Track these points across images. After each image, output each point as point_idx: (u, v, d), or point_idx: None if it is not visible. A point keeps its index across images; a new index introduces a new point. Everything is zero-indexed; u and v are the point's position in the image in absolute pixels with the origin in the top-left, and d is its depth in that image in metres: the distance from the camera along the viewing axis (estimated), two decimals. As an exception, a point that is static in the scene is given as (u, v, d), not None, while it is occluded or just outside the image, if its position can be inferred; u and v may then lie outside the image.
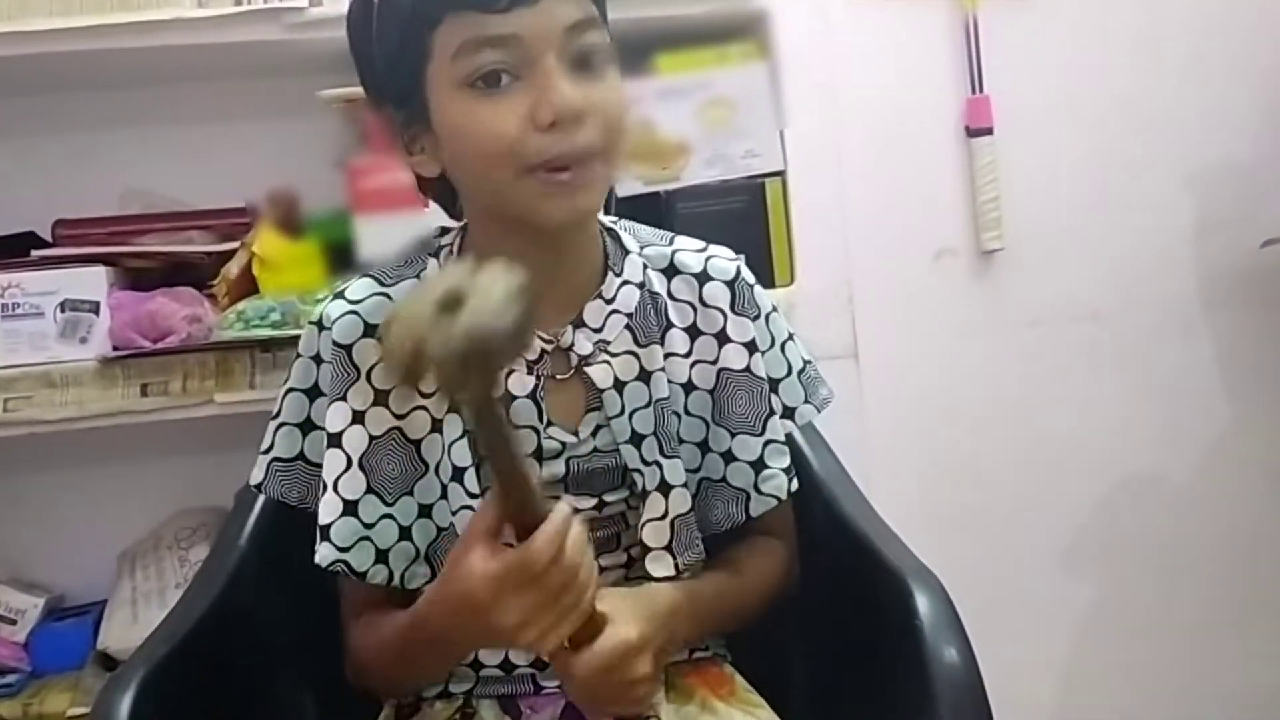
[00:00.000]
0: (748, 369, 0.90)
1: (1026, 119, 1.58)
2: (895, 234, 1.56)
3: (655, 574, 0.87)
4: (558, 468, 0.86)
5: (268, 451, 0.89)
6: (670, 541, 0.88)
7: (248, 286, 1.30)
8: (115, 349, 1.25)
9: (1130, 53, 1.62)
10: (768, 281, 1.37)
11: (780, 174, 1.40)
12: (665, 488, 0.87)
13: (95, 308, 1.27)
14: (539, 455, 0.86)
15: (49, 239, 1.36)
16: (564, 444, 0.87)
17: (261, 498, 1.02)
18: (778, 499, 0.92)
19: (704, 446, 0.91)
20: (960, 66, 1.56)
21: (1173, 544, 1.66)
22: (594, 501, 0.88)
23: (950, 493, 1.60)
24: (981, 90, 1.56)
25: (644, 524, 0.88)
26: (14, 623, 1.36)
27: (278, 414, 0.89)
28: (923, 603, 0.81)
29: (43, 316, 1.25)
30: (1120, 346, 1.63)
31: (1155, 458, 1.66)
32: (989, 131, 1.55)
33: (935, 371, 1.59)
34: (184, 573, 1.34)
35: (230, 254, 1.32)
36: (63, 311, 1.26)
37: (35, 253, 1.30)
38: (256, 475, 0.90)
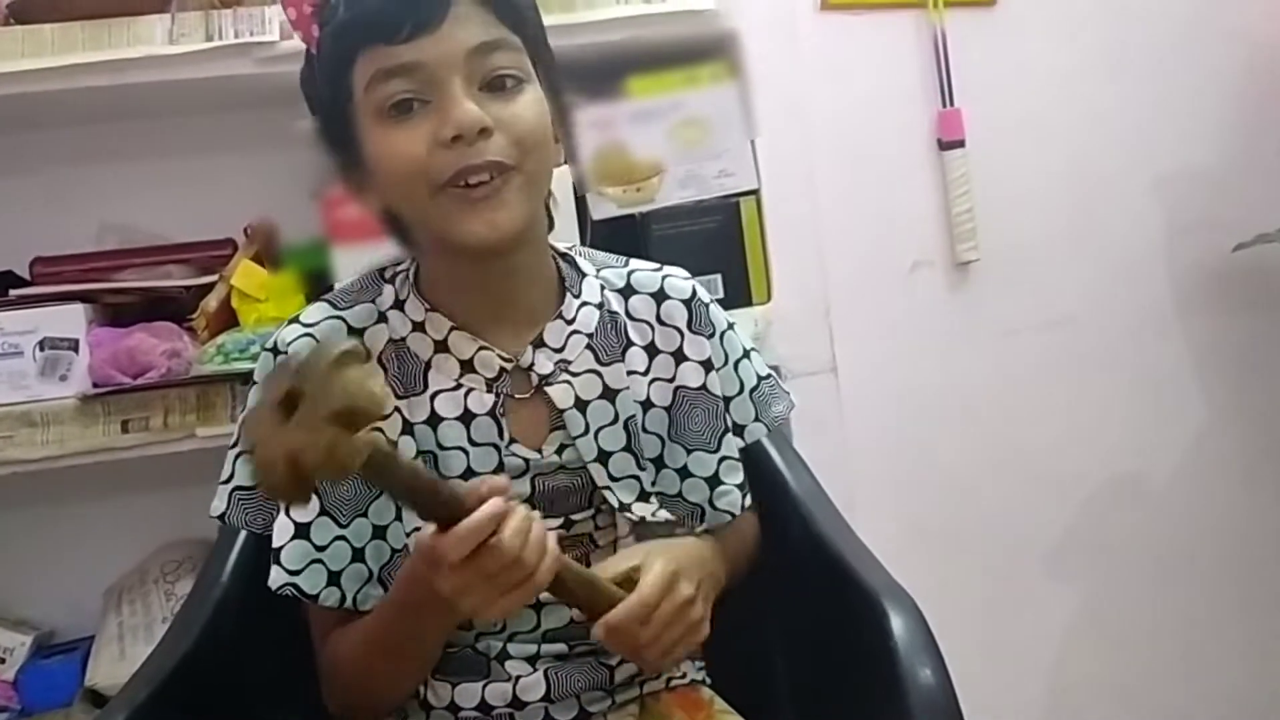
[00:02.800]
0: (704, 387, 0.92)
1: (998, 131, 1.59)
2: (870, 248, 1.57)
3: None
4: (522, 487, 0.86)
5: (228, 481, 0.90)
6: None
7: (227, 319, 1.31)
8: (95, 386, 1.25)
9: (1098, 62, 1.64)
10: (744, 300, 1.38)
11: (754, 192, 1.41)
12: (645, 496, 0.89)
13: (74, 345, 1.27)
14: (500, 473, 0.86)
15: (27, 277, 1.36)
16: (527, 461, 0.87)
17: (243, 533, 1.03)
18: (731, 514, 0.93)
19: (659, 463, 0.91)
20: (930, 80, 1.58)
21: (1154, 547, 1.68)
22: (560, 521, 0.88)
23: (931, 502, 1.61)
24: (952, 103, 1.57)
25: (619, 541, 0.89)
26: (2, 661, 1.36)
27: (235, 443, 0.90)
28: (897, 624, 0.81)
29: (22, 355, 1.25)
30: (1096, 352, 1.65)
31: (1134, 461, 1.67)
32: (961, 144, 1.57)
33: (914, 383, 1.60)
34: (170, 607, 1.34)
35: (209, 287, 1.33)
36: (42, 350, 1.26)
37: (13, 291, 1.31)
38: (218, 506, 0.90)
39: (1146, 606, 1.68)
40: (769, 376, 0.99)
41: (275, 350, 0.88)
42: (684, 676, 0.96)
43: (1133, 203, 1.65)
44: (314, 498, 0.82)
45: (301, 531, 0.85)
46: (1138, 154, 1.64)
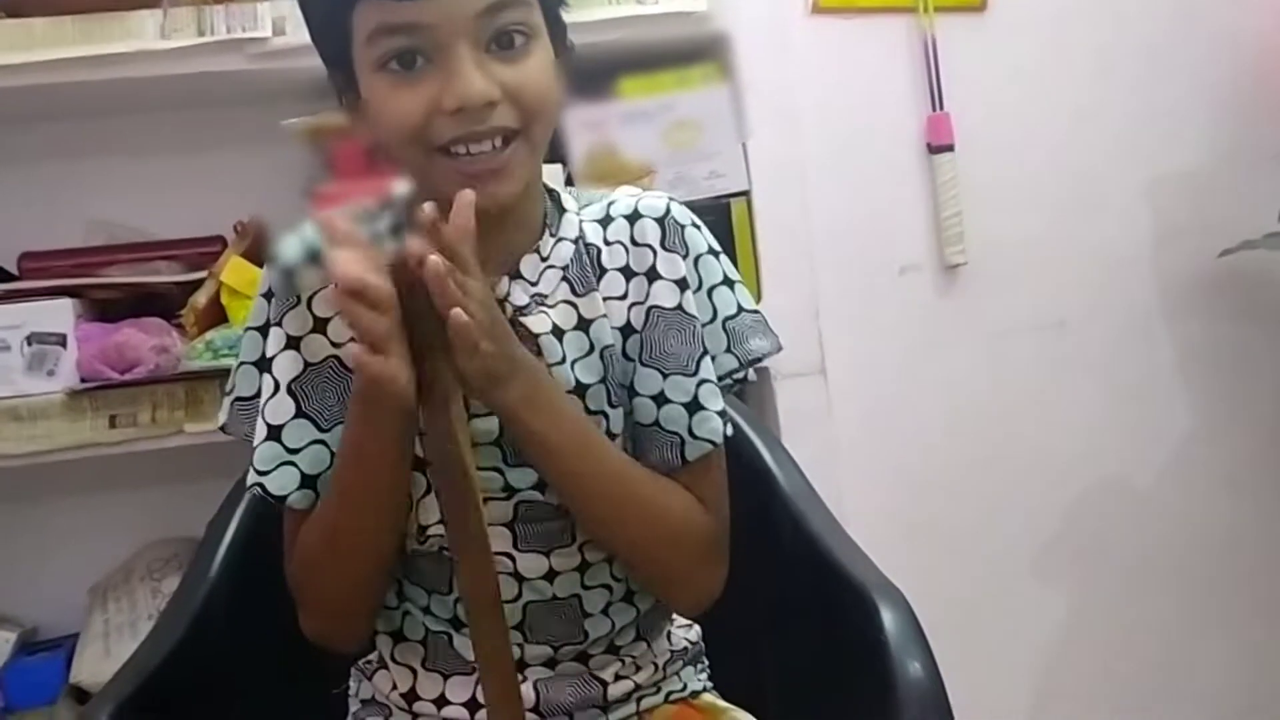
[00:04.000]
0: (679, 307, 0.86)
1: (987, 135, 1.60)
2: (860, 250, 1.58)
3: None
4: (490, 424, 0.83)
5: (230, 392, 0.89)
6: None
7: (216, 316, 1.31)
8: (83, 381, 1.25)
9: (1087, 67, 1.65)
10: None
11: (745, 194, 1.42)
12: (611, 438, 0.85)
13: (62, 340, 1.27)
14: (467, 408, 0.82)
15: (15, 272, 1.35)
16: None
17: (232, 529, 1.03)
18: (713, 443, 0.86)
19: (632, 390, 0.87)
20: (920, 84, 1.59)
21: (1139, 549, 1.68)
22: (534, 478, 0.85)
23: (919, 503, 1.61)
24: (942, 107, 1.58)
25: None
26: (-14, 658, 1.35)
27: (240, 355, 0.89)
28: (888, 618, 0.82)
29: (9, 350, 1.25)
30: (1084, 355, 1.66)
31: (1120, 464, 1.68)
32: (950, 148, 1.58)
33: (902, 384, 1.60)
34: (156, 604, 1.33)
35: (198, 284, 1.33)
36: (29, 345, 1.26)
37: (1, 286, 1.30)
38: (222, 417, 0.90)
39: (1132, 609, 1.68)
40: (755, 312, 0.91)
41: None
42: (684, 688, 0.95)
43: (1120, 207, 1.66)
44: (290, 400, 0.84)
45: (274, 433, 0.84)
46: (1126, 159, 1.65)
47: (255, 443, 0.85)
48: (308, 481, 0.84)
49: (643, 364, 0.86)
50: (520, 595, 0.87)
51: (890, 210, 1.59)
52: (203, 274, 1.33)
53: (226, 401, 0.89)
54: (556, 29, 0.83)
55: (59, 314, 1.27)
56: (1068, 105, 1.64)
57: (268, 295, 0.87)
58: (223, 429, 0.90)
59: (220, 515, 1.06)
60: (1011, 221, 1.61)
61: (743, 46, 1.41)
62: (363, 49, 0.78)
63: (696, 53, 1.40)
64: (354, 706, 0.95)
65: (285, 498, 0.84)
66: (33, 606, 1.44)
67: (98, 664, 1.30)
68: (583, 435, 0.83)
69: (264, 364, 0.86)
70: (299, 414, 0.84)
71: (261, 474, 0.84)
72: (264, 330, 0.87)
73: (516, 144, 0.79)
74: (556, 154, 1.38)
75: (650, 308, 0.86)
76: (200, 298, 1.30)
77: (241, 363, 0.88)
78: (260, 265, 1.33)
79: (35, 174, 1.44)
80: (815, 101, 1.54)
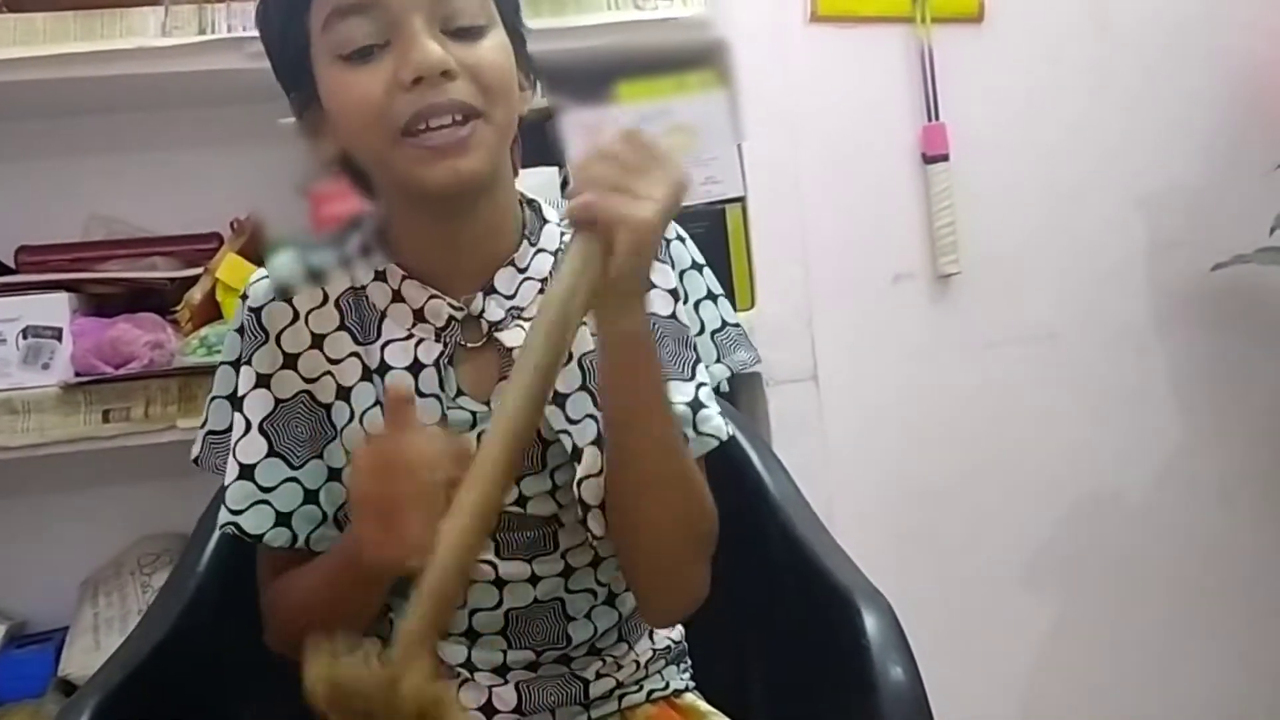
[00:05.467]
0: (673, 315, 0.87)
1: (981, 145, 1.60)
2: (854, 258, 1.58)
3: (596, 532, 0.84)
4: (470, 443, 0.82)
5: (203, 425, 0.90)
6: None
7: (211, 312, 1.31)
8: (77, 375, 1.25)
9: (1083, 79, 1.65)
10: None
11: (740, 200, 1.42)
12: (600, 442, 0.84)
13: (58, 334, 1.27)
14: (444, 427, 0.83)
15: (12, 265, 1.36)
16: (474, 414, 0.84)
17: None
18: (718, 439, 0.86)
19: None
20: (916, 94, 1.59)
21: (1129, 561, 1.69)
22: (515, 493, 0.85)
23: (909, 512, 1.62)
24: (937, 118, 1.59)
25: (580, 481, 0.83)
26: (-25, 650, 1.36)
27: (212, 389, 0.90)
28: (870, 622, 0.83)
29: (4, 343, 1.26)
30: (1075, 367, 1.66)
31: (1111, 475, 1.69)
32: (945, 158, 1.58)
33: (894, 393, 1.61)
34: (146, 599, 1.34)
35: (194, 280, 1.33)
36: (25, 338, 1.27)
37: (-2, 279, 1.31)
38: (195, 450, 0.91)
39: (1120, 620, 1.69)
40: (736, 325, 0.93)
41: (243, 297, 0.88)
42: (666, 687, 0.95)
43: (1113, 219, 1.66)
44: (262, 439, 0.83)
45: (246, 473, 0.84)
46: (1120, 171, 1.66)
47: (227, 481, 0.85)
48: (282, 519, 0.84)
49: None
50: (501, 602, 0.87)
51: (884, 219, 1.60)
52: (199, 270, 1.33)
53: (200, 434, 0.90)
54: (514, 35, 0.83)
55: (55, 308, 1.28)
56: (1062, 117, 1.64)
57: (240, 331, 0.87)
58: (195, 461, 0.90)
59: (209, 510, 1.06)
60: (1005, 232, 1.62)
61: (741, 53, 1.41)
62: (320, 41, 0.78)
63: (695, 58, 1.40)
64: (341, 700, 0.95)
65: (261, 536, 0.84)
66: (23, 599, 1.44)
67: (87, 657, 1.30)
68: (662, 393, 0.81)
69: (235, 401, 0.87)
70: (271, 453, 0.84)
71: (235, 513, 0.84)
72: (236, 365, 0.87)
73: (478, 123, 0.78)
74: (552, 158, 1.39)
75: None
76: (196, 294, 1.31)
77: (214, 396, 0.89)
78: (257, 262, 1.34)
79: (34, 168, 1.44)
80: (812, 109, 1.55)
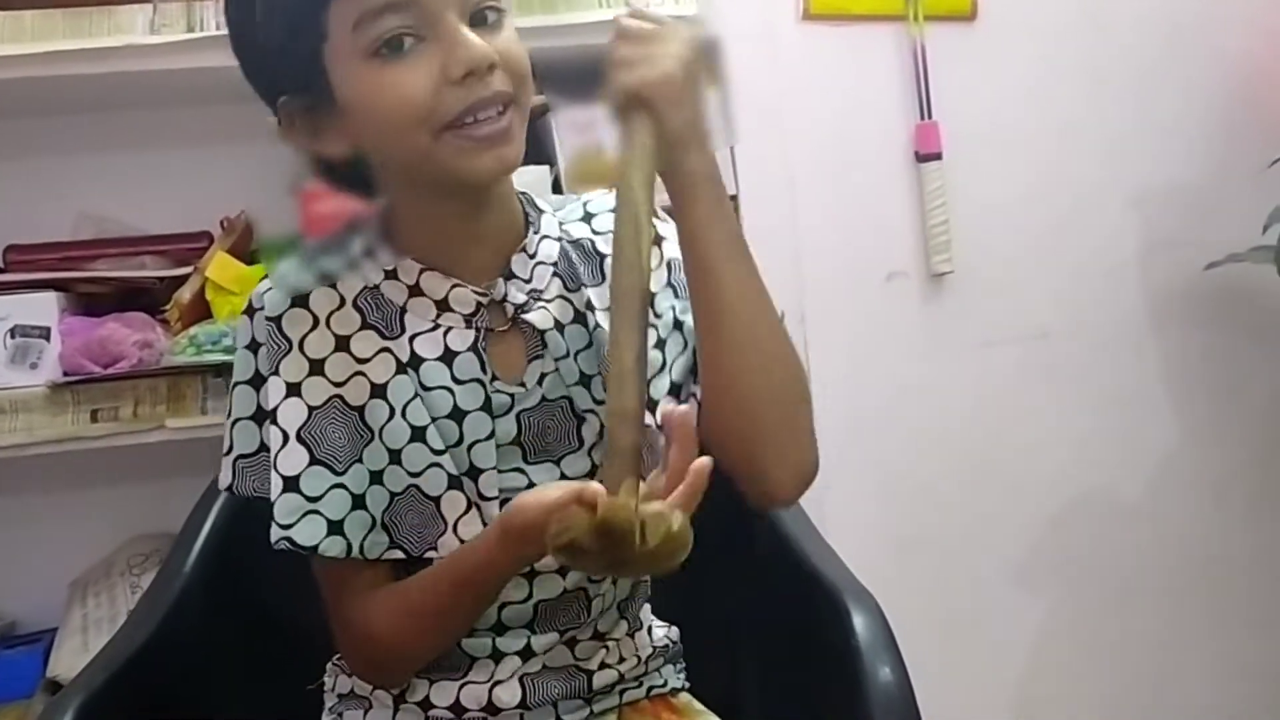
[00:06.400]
0: (669, 283, 0.89)
1: (974, 144, 1.61)
2: (847, 257, 1.58)
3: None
4: (509, 425, 0.84)
5: (229, 452, 0.87)
6: None
7: (201, 311, 1.31)
8: (66, 375, 1.24)
9: (1076, 78, 1.65)
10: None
11: (733, 199, 1.42)
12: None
13: (46, 333, 1.27)
14: (489, 411, 0.84)
15: (0, 265, 1.35)
16: (512, 396, 0.85)
17: (208, 525, 1.03)
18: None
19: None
20: (909, 93, 1.59)
21: (1124, 559, 1.69)
22: (557, 473, 0.86)
23: (903, 511, 1.62)
24: (930, 116, 1.59)
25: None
26: (-38, 651, 1.35)
27: (230, 413, 0.88)
28: (859, 622, 0.82)
29: (-8, 342, 1.25)
30: (1069, 366, 1.66)
31: (1105, 474, 1.69)
32: (938, 156, 1.58)
33: (887, 392, 1.61)
34: (135, 600, 1.32)
35: (183, 279, 1.33)
36: (13, 337, 1.26)
37: (-15, 278, 1.30)
38: (225, 479, 0.88)
39: (1114, 621, 1.69)
40: None
41: (250, 310, 0.86)
42: (664, 685, 0.95)
43: (1107, 218, 1.67)
44: (302, 449, 0.83)
45: (291, 485, 0.83)
46: (1113, 170, 1.66)
47: (273, 497, 0.83)
48: (334, 528, 0.83)
49: (680, 298, 0.88)
50: (531, 595, 0.87)
51: (877, 218, 1.60)
52: (188, 269, 1.33)
53: (227, 462, 0.87)
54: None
55: (43, 307, 1.28)
56: (1055, 116, 1.64)
57: (251, 347, 0.86)
58: (229, 490, 0.87)
59: (197, 511, 1.06)
60: (998, 231, 1.62)
61: (732, 52, 1.41)
62: (345, 42, 0.78)
63: (686, 57, 1.40)
64: (330, 701, 0.94)
65: (316, 547, 0.83)
66: (11, 600, 1.44)
67: (76, 658, 1.29)
68: (742, 241, 0.82)
69: (262, 416, 0.85)
70: (313, 461, 0.83)
71: (285, 527, 0.82)
72: (254, 383, 0.86)
73: (512, 110, 0.79)
74: (542, 156, 1.39)
75: (669, 259, 0.89)
76: (185, 293, 1.31)
77: (236, 419, 0.87)
78: (247, 262, 1.34)
79: (23, 167, 1.44)
80: (804, 108, 1.55)
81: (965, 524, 1.64)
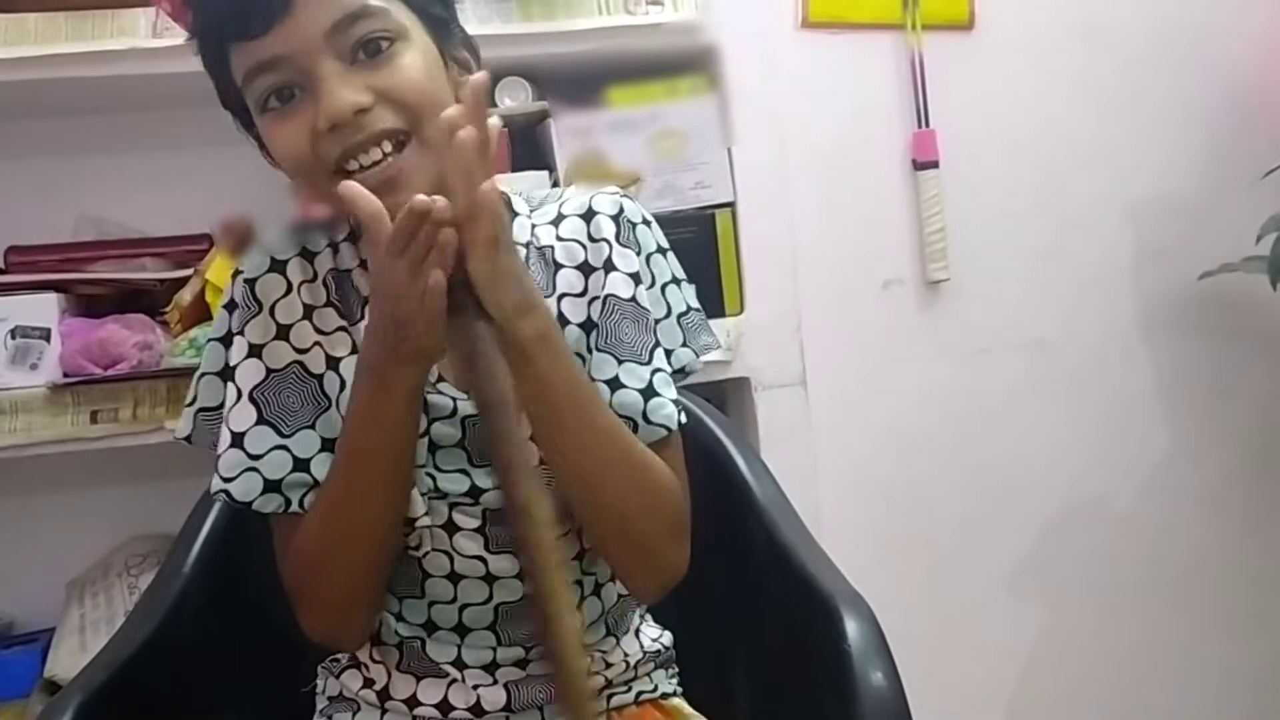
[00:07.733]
0: (633, 298, 0.88)
1: (971, 152, 1.61)
2: (843, 264, 1.59)
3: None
4: (450, 429, 0.85)
5: (192, 403, 0.90)
6: None
7: (201, 313, 1.31)
8: (66, 376, 1.25)
9: (1072, 88, 1.66)
10: (717, 311, 1.39)
11: (730, 205, 1.43)
12: None
13: (46, 334, 1.27)
14: (428, 414, 0.84)
15: (1, 265, 1.36)
16: (454, 400, 0.85)
17: (207, 526, 1.04)
18: (667, 429, 0.86)
19: (589, 376, 0.87)
20: (906, 101, 1.60)
21: (1116, 567, 1.69)
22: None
23: (897, 518, 1.62)
24: (927, 124, 1.59)
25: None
26: (-41, 651, 1.36)
27: (200, 366, 0.90)
28: (851, 627, 0.83)
29: (-8, 343, 1.26)
30: (1063, 374, 1.67)
31: (1098, 482, 1.69)
32: (935, 165, 1.59)
33: (883, 399, 1.61)
34: (133, 600, 1.33)
35: (183, 281, 1.34)
36: (13, 338, 1.26)
37: (-14, 279, 1.31)
38: (183, 428, 0.90)
39: (1106, 628, 1.69)
40: (699, 310, 0.94)
41: (235, 274, 0.89)
42: (654, 689, 0.95)
43: (1103, 227, 1.67)
44: (251, 407, 0.84)
45: (237, 440, 0.85)
46: (1110, 179, 1.67)
47: (219, 450, 0.85)
48: (270, 486, 0.84)
49: (598, 350, 0.87)
50: (491, 597, 0.88)
51: (874, 225, 1.60)
52: (189, 271, 1.34)
53: (189, 413, 0.90)
54: (435, 23, 0.83)
55: (44, 308, 1.28)
56: (1052, 125, 1.65)
57: (229, 306, 0.88)
58: (187, 439, 0.90)
59: (196, 512, 1.06)
60: (994, 239, 1.63)
61: (731, 59, 1.43)
62: (246, 92, 0.80)
63: (685, 64, 1.41)
64: (321, 704, 0.95)
65: (250, 503, 0.84)
66: (9, 600, 1.44)
67: (73, 659, 1.30)
68: (584, 386, 0.83)
69: (227, 373, 0.87)
70: (260, 420, 0.85)
71: (226, 480, 0.84)
72: (226, 341, 0.88)
73: (410, 148, 0.79)
74: (541, 161, 1.39)
75: (607, 297, 0.88)
76: (185, 295, 1.31)
77: (204, 373, 0.89)
78: (245, 263, 1.34)
79: (24, 169, 1.44)
80: (802, 115, 1.55)
81: (959, 530, 1.65)
